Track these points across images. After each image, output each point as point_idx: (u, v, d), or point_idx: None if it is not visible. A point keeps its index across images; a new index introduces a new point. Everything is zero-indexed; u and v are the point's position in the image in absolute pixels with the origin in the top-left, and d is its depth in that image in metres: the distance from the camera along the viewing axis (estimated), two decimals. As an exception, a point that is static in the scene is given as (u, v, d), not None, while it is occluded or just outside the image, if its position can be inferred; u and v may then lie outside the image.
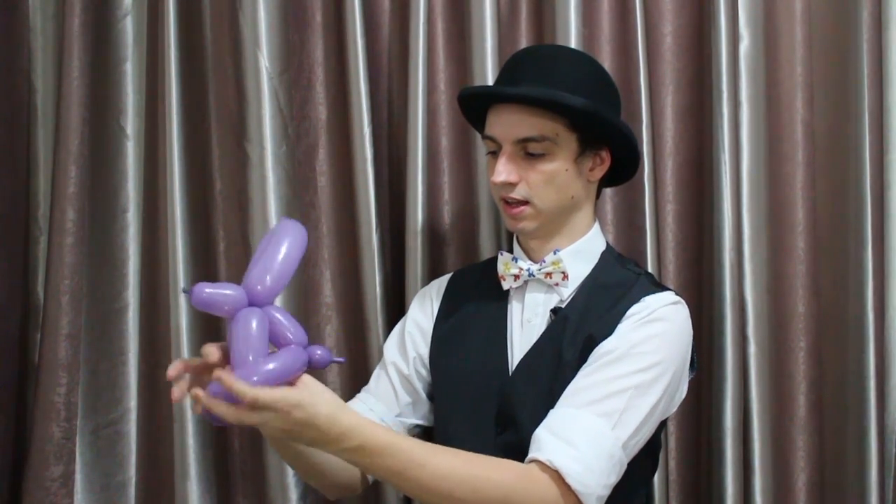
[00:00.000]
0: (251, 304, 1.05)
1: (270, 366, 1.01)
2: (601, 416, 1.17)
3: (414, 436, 1.35)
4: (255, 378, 1.00)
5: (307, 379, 1.07)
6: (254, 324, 1.02)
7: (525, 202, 1.30)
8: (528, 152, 1.28)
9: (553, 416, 1.19)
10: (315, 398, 1.05)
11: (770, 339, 1.65)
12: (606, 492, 1.17)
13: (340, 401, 1.09)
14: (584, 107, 1.26)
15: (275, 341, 1.07)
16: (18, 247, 1.78)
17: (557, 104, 1.26)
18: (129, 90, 1.75)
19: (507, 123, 1.29)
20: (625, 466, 1.19)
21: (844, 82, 1.64)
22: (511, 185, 1.29)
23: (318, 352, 1.09)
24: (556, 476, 1.13)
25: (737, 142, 1.63)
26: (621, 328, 1.25)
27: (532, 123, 1.27)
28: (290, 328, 1.07)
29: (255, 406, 1.00)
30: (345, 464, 1.30)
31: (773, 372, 1.65)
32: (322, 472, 1.31)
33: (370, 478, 1.37)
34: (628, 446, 1.19)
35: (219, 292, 1.04)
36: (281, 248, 1.07)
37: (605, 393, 1.18)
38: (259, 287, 1.05)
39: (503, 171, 1.29)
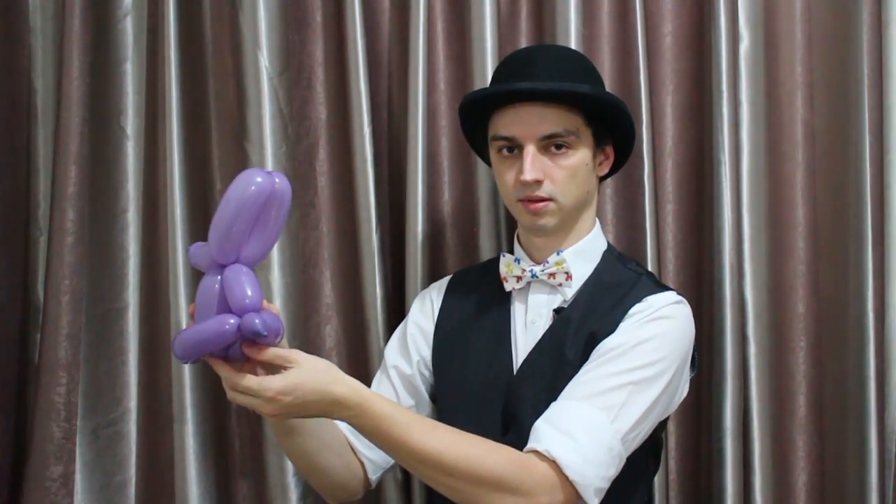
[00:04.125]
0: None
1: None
2: (601, 409, 1.17)
3: None
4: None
5: (298, 357, 1.10)
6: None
7: (549, 199, 1.30)
8: (555, 147, 1.29)
9: (553, 408, 1.20)
10: (305, 377, 1.08)
11: (770, 339, 1.65)
12: (605, 484, 1.17)
13: (336, 371, 1.12)
14: (613, 99, 1.30)
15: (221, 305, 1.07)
16: (18, 247, 1.78)
17: (588, 97, 1.27)
18: (129, 90, 1.75)
19: (530, 121, 1.28)
20: (623, 461, 1.19)
21: (844, 82, 1.64)
22: (538, 184, 1.29)
23: (256, 320, 1.03)
24: (554, 466, 1.14)
25: (737, 142, 1.63)
26: (624, 326, 1.25)
27: (555, 119, 1.28)
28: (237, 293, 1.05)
29: (242, 391, 1.07)
30: (345, 464, 1.31)
31: (773, 372, 1.65)
32: (322, 470, 1.31)
33: (372, 481, 1.37)
34: (627, 440, 1.19)
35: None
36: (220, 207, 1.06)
37: (606, 387, 1.18)
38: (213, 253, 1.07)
39: (531, 169, 1.27)
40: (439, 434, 1.15)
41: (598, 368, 1.21)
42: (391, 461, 1.37)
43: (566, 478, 1.13)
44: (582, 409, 1.17)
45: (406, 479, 1.65)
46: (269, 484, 1.64)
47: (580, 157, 1.30)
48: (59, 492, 1.66)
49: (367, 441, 1.30)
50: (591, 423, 1.16)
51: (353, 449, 1.35)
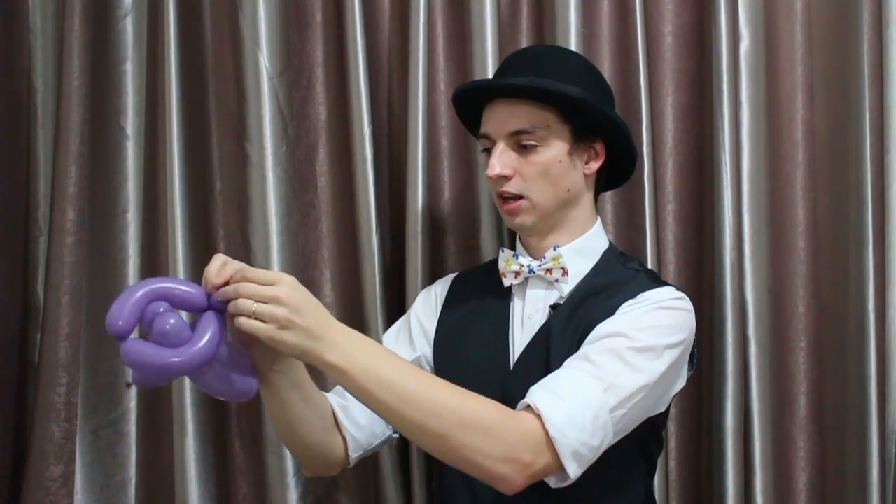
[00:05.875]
0: None
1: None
2: (593, 377, 1.17)
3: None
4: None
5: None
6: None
7: (520, 196, 1.31)
8: (522, 145, 1.30)
9: (549, 375, 1.20)
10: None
11: (770, 339, 1.65)
12: (586, 452, 1.15)
13: None
14: (571, 93, 1.28)
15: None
16: (18, 247, 1.78)
17: (545, 91, 1.28)
18: (129, 90, 1.75)
19: (499, 118, 1.31)
20: (610, 437, 1.18)
21: (844, 82, 1.64)
22: (505, 179, 1.31)
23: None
24: (540, 424, 1.13)
25: (737, 142, 1.63)
26: (625, 313, 1.25)
27: (523, 115, 1.29)
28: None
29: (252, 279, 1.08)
30: (322, 440, 1.31)
31: (773, 372, 1.65)
32: (300, 438, 1.29)
33: (351, 459, 1.36)
34: (616, 415, 1.17)
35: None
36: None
37: (602, 360, 1.19)
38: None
39: (497, 164, 1.30)
40: (430, 378, 1.15)
41: (598, 344, 1.22)
42: (374, 442, 1.37)
43: (550, 439, 1.13)
44: (574, 374, 1.18)
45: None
46: (269, 484, 1.64)
47: (552, 153, 1.30)
48: (59, 492, 1.66)
49: (354, 419, 1.32)
50: (582, 388, 1.16)
51: (338, 424, 1.34)
